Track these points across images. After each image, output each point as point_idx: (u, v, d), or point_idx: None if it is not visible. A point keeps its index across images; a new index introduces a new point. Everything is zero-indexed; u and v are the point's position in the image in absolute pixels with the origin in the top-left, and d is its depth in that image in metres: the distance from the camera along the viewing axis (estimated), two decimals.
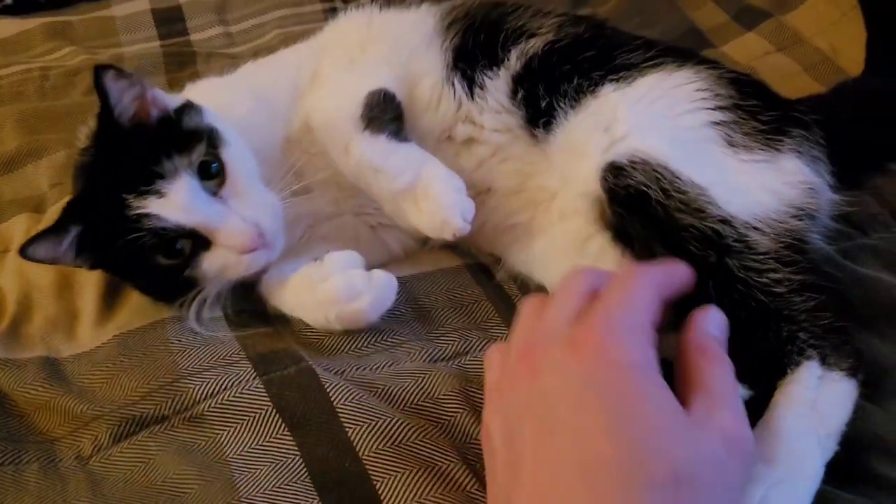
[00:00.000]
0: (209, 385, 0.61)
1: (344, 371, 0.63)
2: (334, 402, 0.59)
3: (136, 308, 0.70)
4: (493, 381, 0.51)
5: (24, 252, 0.64)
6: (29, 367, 0.66)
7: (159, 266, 0.65)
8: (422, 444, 0.56)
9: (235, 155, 0.67)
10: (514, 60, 0.75)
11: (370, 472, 0.55)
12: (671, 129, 0.67)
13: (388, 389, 0.61)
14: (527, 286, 0.75)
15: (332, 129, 0.72)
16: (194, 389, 0.61)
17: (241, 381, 0.61)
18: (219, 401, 0.60)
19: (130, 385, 0.63)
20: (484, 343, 0.67)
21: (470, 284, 0.74)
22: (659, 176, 0.63)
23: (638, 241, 0.64)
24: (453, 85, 0.76)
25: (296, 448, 0.56)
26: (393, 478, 0.54)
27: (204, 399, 0.60)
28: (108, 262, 0.68)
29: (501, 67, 0.75)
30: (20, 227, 0.80)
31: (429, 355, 0.65)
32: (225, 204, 0.65)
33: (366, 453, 0.55)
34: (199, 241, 0.65)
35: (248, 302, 0.72)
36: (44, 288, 0.73)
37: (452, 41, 0.78)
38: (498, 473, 0.46)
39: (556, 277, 0.74)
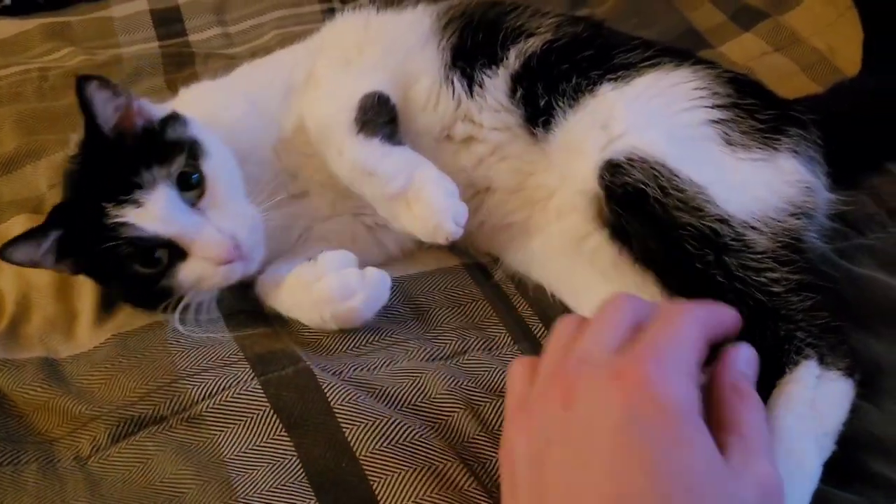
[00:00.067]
0: (207, 386, 0.61)
1: (341, 371, 0.63)
2: (331, 403, 0.59)
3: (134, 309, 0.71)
4: (517, 397, 0.49)
5: (2, 254, 0.65)
6: (28, 367, 0.66)
7: (137, 274, 0.65)
8: (419, 443, 0.56)
9: (216, 166, 0.68)
10: (513, 59, 0.75)
11: (367, 472, 0.55)
12: (669, 127, 0.67)
13: (385, 389, 0.61)
14: (524, 286, 0.75)
15: (326, 133, 0.72)
16: (192, 390, 0.61)
17: (239, 382, 0.61)
18: (217, 401, 0.60)
19: (129, 385, 0.63)
20: (482, 342, 0.68)
21: (468, 284, 0.75)
22: (657, 174, 0.63)
23: (635, 239, 0.65)
24: (452, 83, 0.76)
25: (293, 448, 0.57)
26: (390, 478, 0.54)
27: (202, 399, 0.60)
28: (88, 267, 0.69)
29: (500, 66, 0.75)
30: (19, 228, 0.80)
31: (426, 354, 0.66)
32: (203, 215, 0.66)
33: (363, 453, 0.56)
34: (176, 252, 0.65)
35: (246, 302, 0.72)
36: (42, 288, 0.74)
37: (450, 40, 0.78)
38: (519, 495, 0.45)
39: (553, 277, 0.74)
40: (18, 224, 0.80)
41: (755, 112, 0.68)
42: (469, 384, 0.62)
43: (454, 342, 0.67)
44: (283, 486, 0.55)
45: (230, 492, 0.54)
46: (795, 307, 0.59)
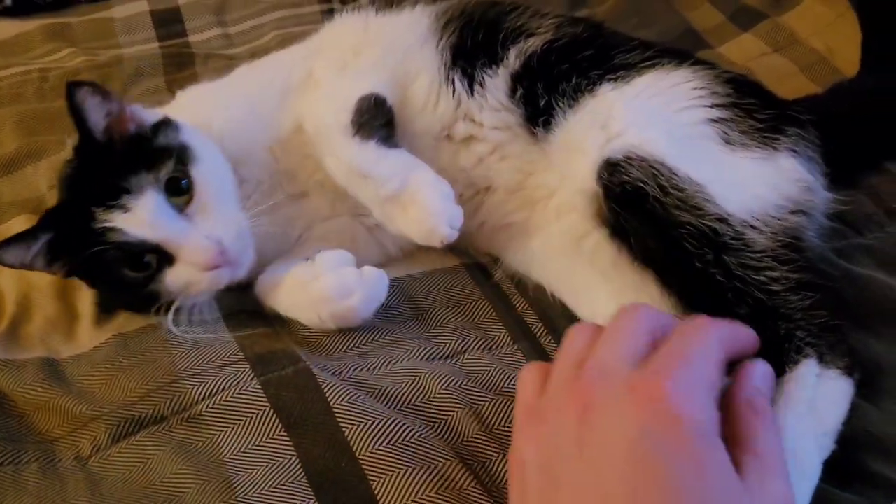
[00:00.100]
0: (207, 386, 0.61)
1: (341, 371, 0.63)
2: (331, 403, 0.59)
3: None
4: (527, 404, 0.49)
5: None
6: (28, 367, 0.66)
7: (126, 278, 0.66)
8: (418, 443, 0.56)
9: (206, 172, 0.68)
10: (513, 59, 0.75)
11: (367, 471, 0.55)
12: (668, 126, 0.67)
13: (385, 389, 0.61)
14: (524, 285, 0.75)
15: (322, 135, 0.72)
16: (192, 390, 0.61)
17: (238, 382, 0.61)
18: (217, 401, 0.60)
19: (129, 385, 0.63)
20: (482, 342, 0.68)
21: (468, 284, 0.75)
22: (656, 172, 0.63)
23: (634, 237, 0.65)
24: (453, 83, 0.76)
25: (292, 448, 0.57)
26: (389, 477, 0.54)
27: (202, 399, 0.60)
28: (79, 271, 0.69)
29: (501, 66, 0.75)
30: (20, 228, 0.80)
31: (426, 354, 0.66)
32: (190, 221, 0.66)
33: (362, 453, 0.56)
34: (164, 257, 0.65)
35: (246, 302, 0.72)
36: (43, 289, 0.74)
37: (449, 40, 0.78)
38: (530, 503, 0.45)
39: (553, 277, 0.74)
40: (19, 224, 0.80)
41: (754, 112, 0.68)
42: (469, 384, 0.62)
43: (454, 342, 0.67)
44: (283, 485, 0.55)
45: (230, 491, 0.54)
46: (795, 306, 0.59)
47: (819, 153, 0.68)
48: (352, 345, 0.67)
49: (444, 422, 0.59)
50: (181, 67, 1.11)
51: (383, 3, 0.87)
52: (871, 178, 0.77)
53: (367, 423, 0.57)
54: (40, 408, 0.64)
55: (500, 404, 0.60)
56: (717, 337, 0.48)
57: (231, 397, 0.60)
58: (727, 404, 0.48)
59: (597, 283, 0.71)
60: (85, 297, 0.73)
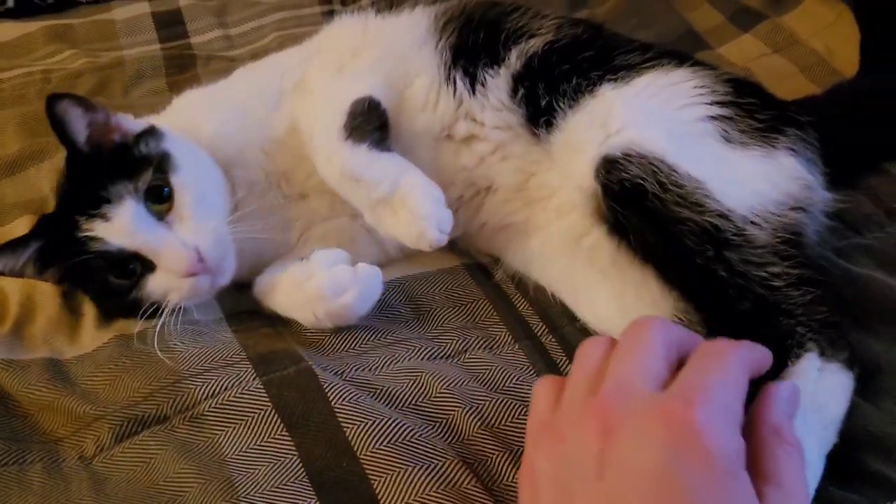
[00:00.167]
0: (210, 385, 0.61)
1: (343, 371, 0.63)
2: (332, 403, 0.59)
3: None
4: (541, 418, 0.48)
5: None
6: (32, 367, 0.67)
7: (111, 285, 0.67)
8: (419, 442, 0.57)
9: (186, 180, 0.68)
10: (515, 59, 0.75)
11: (368, 471, 0.55)
12: (668, 123, 0.67)
13: (386, 389, 0.62)
14: (525, 285, 0.75)
15: (315, 138, 0.72)
16: (195, 390, 0.61)
17: (241, 382, 0.61)
18: (219, 401, 0.60)
19: (133, 386, 0.63)
20: (483, 341, 0.68)
21: (468, 284, 0.75)
22: (655, 169, 0.63)
23: (634, 234, 0.65)
24: (454, 82, 0.76)
25: (294, 448, 0.57)
26: (390, 477, 0.54)
27: (204, 399, 0.61)
28: (68, 278, 0.70)
29: (502, 66, 0.76)
30: (23, 229, 0.81)
31: (427, 354, 0.66)
32: (170, 228, 0.67)
33: (363, 453, 0.56)
34: (146, 264, 0.66)
35: (248, 302, 0.73)
36: (46, 290, 0.74)
37: (448, 40, 0.78)
38: None
39: (553, 277, 0.75)
40: (22, 225, 0.80)
41: (754, 112, 0.68)
42: (470, 383, 0.62)
43: (455, 341, 0.68)
44: (285, 485, 0.55)
45: (232, 491, 0.55)
46: (796, 301, 0.60)
47: (818, 154, 0.69)
48: (353, 345, 0.67)
49: (445, 421, 0.59)
50: (182, 69, 1.11)
51: (383, 5, 0.87)
52: (871, 178, 0.77)
53: (368, 423, 0.57)
54: (44, 408, 0.64)
55: (501, 403, 0.60)
56: (741, 362, 0.47)
57: (233, 397, 0.60)
58: (750, 427, 0.46)
59: (596, 282, 0.71)
60: (87, 298, 0.73)
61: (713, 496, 0.40)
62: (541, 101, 0.73)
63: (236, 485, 0.55)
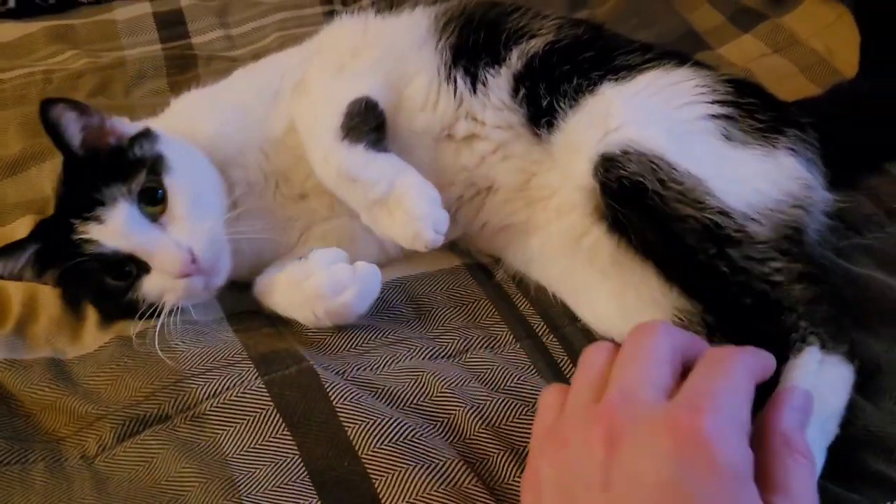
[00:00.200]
0: (212, 385, 0.61)
1: (344, 371, 0.63)
2: (334, 402, 0.59)
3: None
4: (546, 425, 0.48)
5: None
6: (35, 367, 0.67)
7: (108, 287, 0.67)
8: (420, 442, 0.57)
9: (180, 181, 0.69)
10: (516, 59, 0.75)
11: (369, 470, 0.55)
12: (668, 122, 0.68)
13: (387, 388, 0.62)
14: (526, 285, 0.75)
15: (312, 139, 0.73)
16: (197, 389, 0.61)
17: (242, 382, 0.61)
18: (221, 400, 0.60)
19: (134, 385, 0.63)
20: (484, 341, 0.68)
21: (469, 284, 0.75)
22: (655, 167, 0.63)
23: (634, 231, 0.65)
24: (455, 81, 0.76)
25: (295, 447, 0.57)
26: (391, 476, 0.55)
27: (206, 399, 0.61)
28: (66, 281, 0.70)
29: (503, 66, 0.76)
30: (24, 230, 0.81)
31: (429, 353, 0.66)
32: (164, 229, 0.67)
33: (365, 452, 0.56)
34: (141, 266, 0.67)
35: (250, 302, 0.73)
36: (48, 289, 0.74)
37: (448, 40, 0.78)
38: None
39: (553, 277, 0.75)
40: (24, 225, 0.81)
41: (755, 112, 0.68)
42: (471, 382, 0.62)
43: (456, 341, 0.68)
44: (286, 484, 0.55)
45: (233, 490, 0.55)
46: (797, 296, 0.60)
47: (818, 155, 0.69)
48: (355, 344, 0.67)
49: (446, 421, 0.59)
50: (184, 69, 1.11)
51: (384, 5, 0.87)
52: (871, 179, 0.78)
53: (369, 423, 0.58)
54: (47, 407, 0.64)
55: (502, 403, 0.60)
56: (747, 368, 0.46)
57: (235, 397, 0.60)
58: (760, 435, 0.46)
59: (596, 282, 0.71)
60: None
61: None
62: (542, 102, 0.73)
63: (238, 484, 0.55)
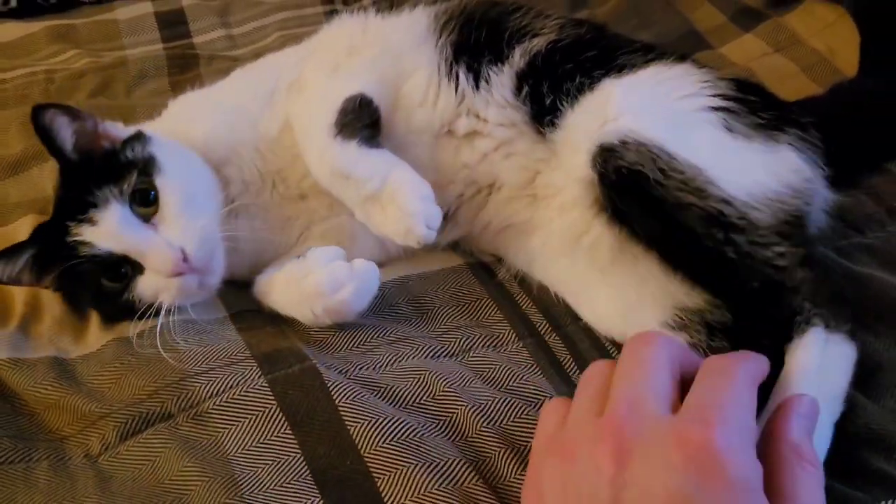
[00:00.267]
0: (214, 383, 0.62)
1: (347, 370, 0.64)
2: (336, 401, 0.59)
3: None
4: (548, 436, 0.48)
5: None
6: (38, 366, 0.67)
7: (104, 288, 0.68)
8: (423, 441, 0.57)
9: (172, 182, 0.69)
10: (518, 58, 0.75)
11: (371, 469, 0.55)
12: (668, 112, 0.68)
13: (390, 387, 0.62)
14: (528, 284, 0.76)
15: (307, 137, 0.73)
16: (200, 388, 0.61)
17: (245, 380, 0.62)
18: (223, 399, 0.60)
19: (137, 384, 0.63)
20: (487, 340, 0.68)
21: (472, 283, 0.75)
22: (655, 156, 0.63)
23: (636, 221, 0.65)
24: (456, 77, 0.76)
25: (297, 446, 0.57)
26: (394, 475, 0.55)
27: (209, 397, 0.61)
28: (64, 284, 0.70)
29: (506, 64, 0.76)
30: (26, 229, 0.81)
31: (431, 352, 0.66)
32: (156, 230, 0.68)
33: (367, 451, 0.56)
34: (135, 266, 0.67)
35: (252, 301, 0.73)
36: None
37: (449, 38, 0.78)
38: None
39: (554, 277, 0.75)
40: (26, 225, 0.81)
41: (756, 109, 0.68)
42: (474, 381, 0.63)
43: (459, 340, 0.68)
44: (288, 483, 0.55)
45: (235, 489, 0.55)
46: (801, 278, 0.61)
47: (819, 154, 0.69)
48: (357, 343, 0.67)
49: (448, 419, 0.59)
50: (185, 69, 1.11)
51: (384, 5, 0.87)
52: (872, 178, 0.78)
53: (372, 421, 0.58)
54: (50, 406, 0.64)
55: (505, 402, 0.60)
56: (749, 375, 0.46)
57: (238, 395, 0.61)
58: (767, 443, 0.46)
59: (597, 281, 0.71)
60: None
61: None
62: (545, 100, 0.73)
63: (240, 483, 0.55)
